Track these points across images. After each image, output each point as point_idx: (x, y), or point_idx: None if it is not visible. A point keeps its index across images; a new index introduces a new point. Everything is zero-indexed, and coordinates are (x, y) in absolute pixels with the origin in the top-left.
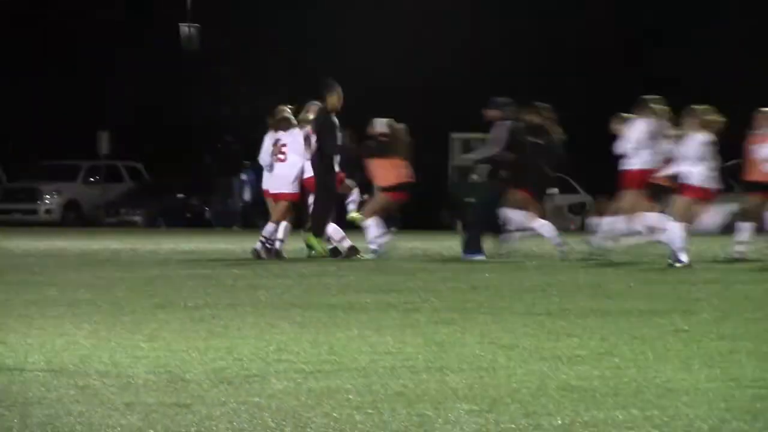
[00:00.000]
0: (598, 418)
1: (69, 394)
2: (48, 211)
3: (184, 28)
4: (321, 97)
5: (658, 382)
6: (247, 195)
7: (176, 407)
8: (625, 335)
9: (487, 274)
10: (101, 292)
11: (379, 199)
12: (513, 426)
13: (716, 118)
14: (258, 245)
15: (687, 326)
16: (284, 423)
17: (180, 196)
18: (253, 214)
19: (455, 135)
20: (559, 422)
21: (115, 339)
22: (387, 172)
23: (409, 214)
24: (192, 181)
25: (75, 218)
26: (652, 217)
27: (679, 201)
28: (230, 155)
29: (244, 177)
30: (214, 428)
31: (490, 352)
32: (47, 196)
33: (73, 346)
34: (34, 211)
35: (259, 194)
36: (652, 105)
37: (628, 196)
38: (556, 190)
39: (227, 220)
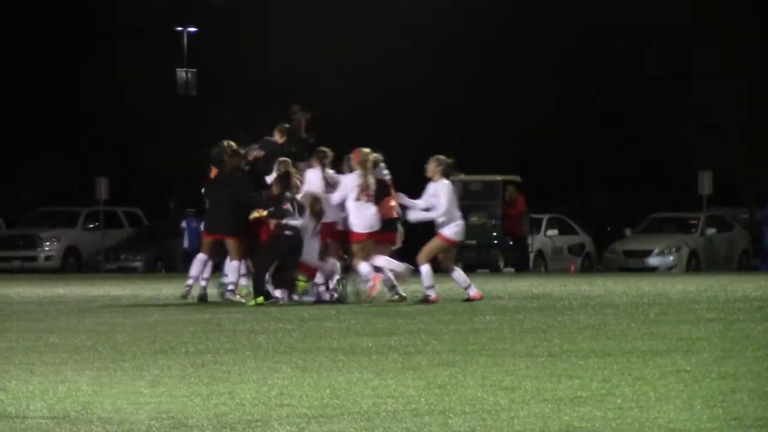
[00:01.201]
0: None
1: None
2: (48, 258)
3: (182, 74)
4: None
5: (660, 422)
6: (185, 242)
7: None
8: (626, 376)
9: (488, 317)
10: (102, 338)
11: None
12: None
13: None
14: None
15: (688, 366)
16: None
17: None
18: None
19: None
20: None
21: (117, 385)
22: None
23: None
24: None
25: (75, 264)
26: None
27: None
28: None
29: (184, 224)
30: None
31: (492, 395)
32: (47, 243)
33: (74, 393)
34: (34, 258)
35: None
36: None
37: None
38: (555, 232)
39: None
